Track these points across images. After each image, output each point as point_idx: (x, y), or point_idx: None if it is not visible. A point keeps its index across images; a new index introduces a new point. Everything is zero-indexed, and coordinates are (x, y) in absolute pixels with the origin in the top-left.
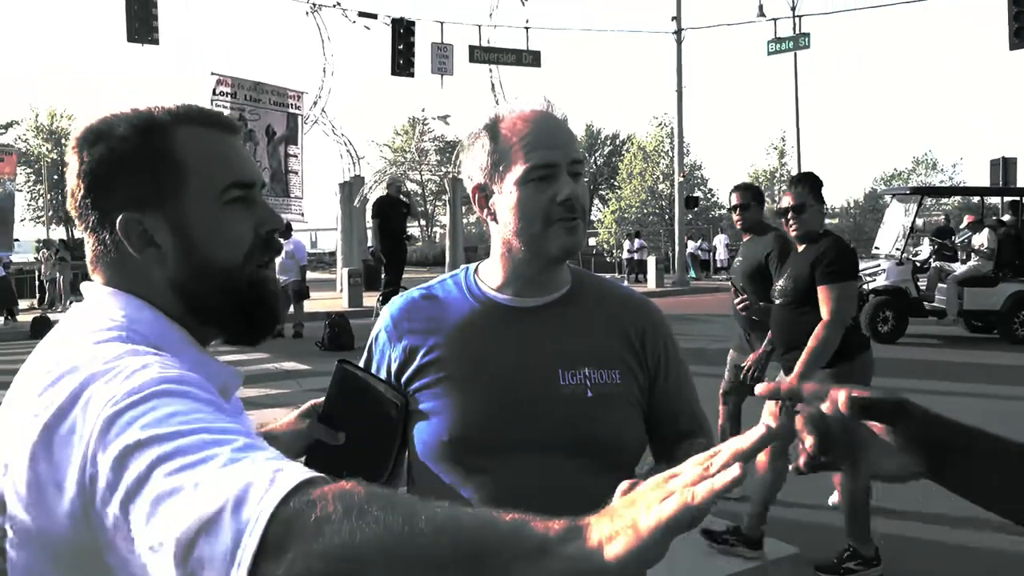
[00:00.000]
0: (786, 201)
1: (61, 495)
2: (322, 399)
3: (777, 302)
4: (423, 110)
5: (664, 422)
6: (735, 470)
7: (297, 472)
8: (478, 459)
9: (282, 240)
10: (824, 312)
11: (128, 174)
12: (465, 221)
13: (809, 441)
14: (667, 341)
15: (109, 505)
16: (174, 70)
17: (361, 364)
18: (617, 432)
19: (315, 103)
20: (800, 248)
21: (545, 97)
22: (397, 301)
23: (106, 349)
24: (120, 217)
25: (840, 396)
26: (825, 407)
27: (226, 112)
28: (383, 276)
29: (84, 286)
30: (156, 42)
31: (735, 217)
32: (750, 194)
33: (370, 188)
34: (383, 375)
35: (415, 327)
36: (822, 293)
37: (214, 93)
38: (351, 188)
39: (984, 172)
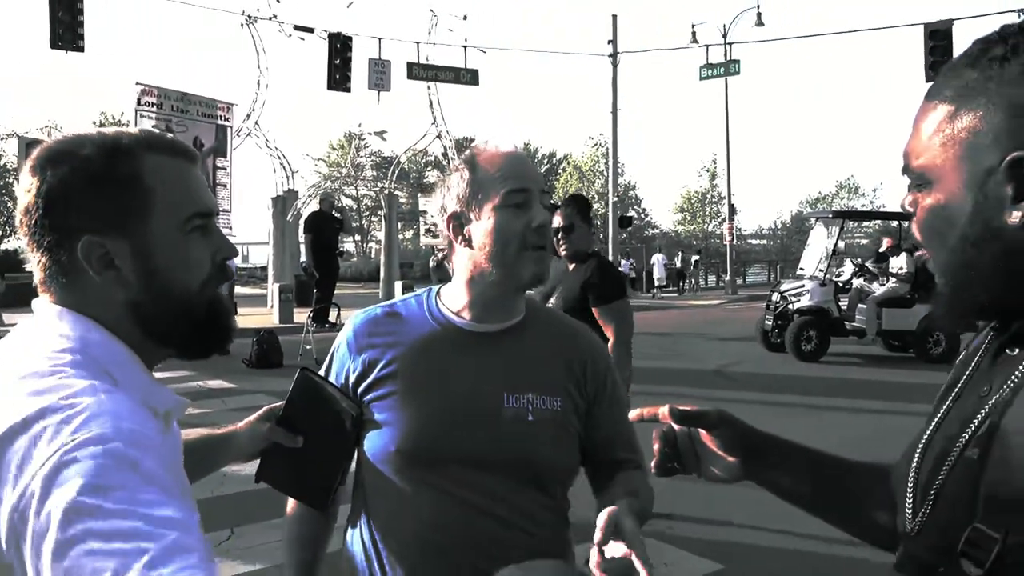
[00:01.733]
0: (556, 221)
1: None
2: (281, 403)
3: None
4: (359, 125)
5: (600, 448)
6: None
7: None
8: (423, 470)
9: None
10: (608, 334)
11: (93, 197)
12: (401, 237)
13: (657, 447)
14: (607, 373)
15: (29, 545)
16: (99, 79)
17: (322, 372)
18: (551, 455)
19: (248, 115)
20: (571, 267)
21: (514, 144)
22: (360, 316)
23: (63, 379)
24: (83, 239)
25: (663, 408)
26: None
27: (151, 123)
28: (315, 292)
29: (35, 303)
30: (81, 49)
31: (560, 243)
32: (576, 211)
33: (304, 203)
34: (341, 384)
35: (375, 341)
36: (598, 316)
37: (139, 103)
38: (284, 202)
39: (902, 196)
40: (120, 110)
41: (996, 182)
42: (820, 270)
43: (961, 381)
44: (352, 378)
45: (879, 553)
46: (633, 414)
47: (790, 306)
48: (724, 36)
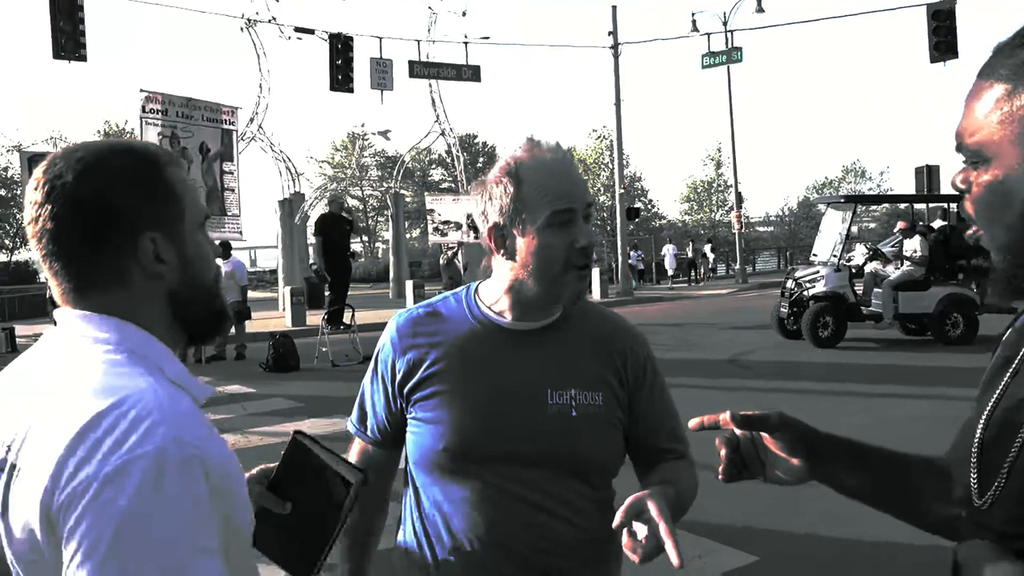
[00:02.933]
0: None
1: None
2: (275, 464)
3: None
4: (363, 125)
5: (643, 438)
6: None
7: None
8: (470, 467)
9: (220, 260)
10: None
11: (142, 198)
12: (408, 236)
13: (723, 453)
14: (647, 363)
15: (65, 540)
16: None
17: (367, 375)
18: (596, 450)
19: (252, 119)
20: None
21: (557, 141)
22: (403, 315)
23: (123, 379)
24: (143, 238)
25: (724, 415)
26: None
27: (157, 130)
28: (327, 294)
29: (60, 312)
30: (83, 58)
31: None
32: None
33: (311, 205)
34: (387, 386)
35: (418, 341)
36: None
37: (143, 111)
38: (291, 205)
39: (910, 179)
40: (124, 119)
41: None
42: (834, 255)
43: (1019, 357)
44: (398, 378)
45: (913, 545)
46: (694, 422)
47: (805, 292)
48: (725, 24)
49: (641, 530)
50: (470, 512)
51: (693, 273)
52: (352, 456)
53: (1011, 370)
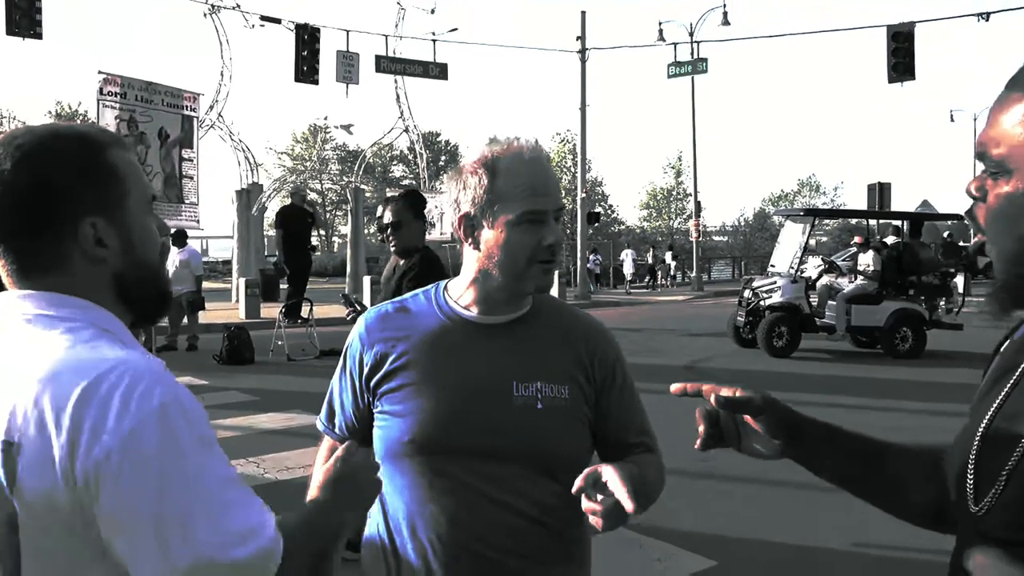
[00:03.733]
0: (386, 217)
1: (66, 470)
2: None
3: None
4: (325, 118)
5: (611, 435)
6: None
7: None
8: (435, 460)
9: (176, 248)
10: None
11: (85, 185)
12: (366, 232)
13: (702, 428)
14: (617, 363)
15: (101, 505)
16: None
17: (336, 373)
18: (562, 443)
19: (212, 107)
20: (400, 263)
21: (536, 140)
22: (372, 312)
23: (99, 351)
24: (84, 222)
25: (712, 395)
26: (711, 400)
27: (114, 113)
28: (286, 287)
29: (12, 295)
30: (39, 36)
31: (389, 240)
32: (406, 207)
33: (269, 196)
34: (355, 381)
35: (386, 336)
36: None
37: (101, 93)
38: (249, 195)
39: (862, 195)
40: (77, 100)
41: None
42: (791, 267)
43: (1020, 370)
44: (365, 371)
45: (875, 547)
46: (675, 387)
47: (762, 302)
48: (691, 35)
49: (601, 493)
50: (435, 508)
51: (652, 279)
52: (322, 453)
53: (1011, 381)
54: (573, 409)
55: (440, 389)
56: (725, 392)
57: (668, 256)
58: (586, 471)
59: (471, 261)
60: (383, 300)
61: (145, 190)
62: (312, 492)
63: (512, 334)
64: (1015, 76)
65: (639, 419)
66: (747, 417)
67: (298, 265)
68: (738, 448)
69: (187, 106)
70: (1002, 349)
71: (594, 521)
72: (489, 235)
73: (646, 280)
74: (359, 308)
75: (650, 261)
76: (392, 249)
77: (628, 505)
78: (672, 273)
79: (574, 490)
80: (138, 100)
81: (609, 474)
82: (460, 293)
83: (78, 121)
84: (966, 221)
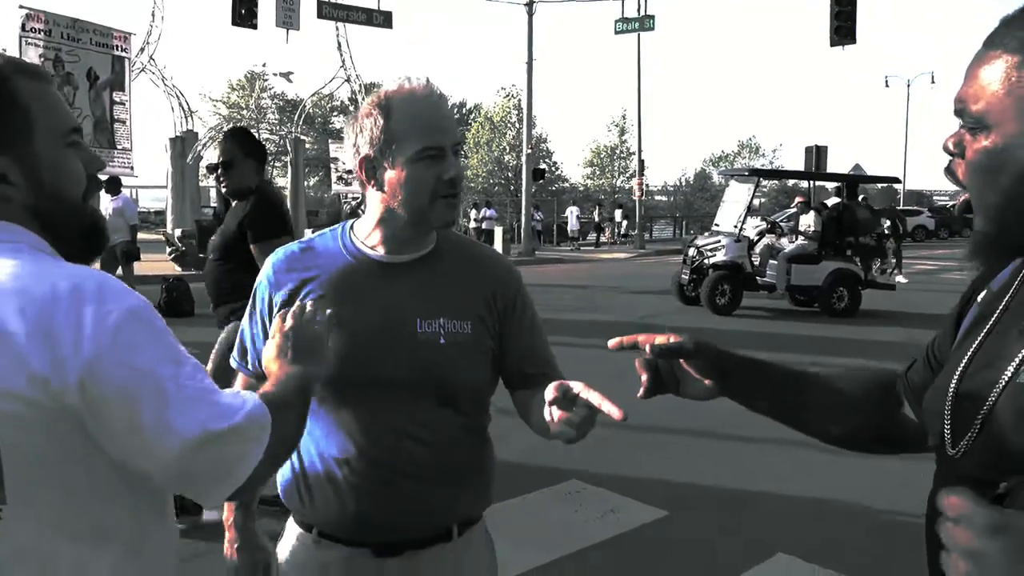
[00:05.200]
0: (216, 156)
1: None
2: None
3: (210, 257)
4: (264, 65)
5: (514, 365)
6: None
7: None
8: (342, 395)
9: (109, 196)
10: None
11: None
12: (305, 184)
13: (644, 377)
14: (518, 295)
15: (106, 402)
16: None
17: (246, 313)
18: (464, 376)
19: (142, 49)
20: (234, 204)
21: (428, 78)
22: (279, 252)
23: (50, 266)
24: None
25: (648, 345)
26: (646, 351)
27: (39, 51)
28: None
29: None
30: None
31: (220, 180)
32: (236, 145)
33: (204, 145)
34: (265, 320)
35: (293, 276)
36: (256, 255)
37: (23, 29)
38: (183, 144)
39: (800, 157)
40: None
41: None
42: (735, 226)
43: (993, 318)
44: (274, 312)
45: (820, 500)
46: (613, 342)
47: (706, 261)
48: None
49: (577, 410)
50: (342, 439)
51: (599, 236)
52: (236, 389)
53: (986, 329)
54: (476, 343)
55: (346, 327)
56: (659, 340)
57: (618, 214)
58: (554, 386)
59: (375, 202)
60: (212, 252)
61: (59, 122)
62: (266, 365)
63: (416, 273)
64: (992, 33)
65: (541, 350)
66: (682, 362)
67: None
68: (677, 392)
69: (117, 46)
70: (979, 298)
71: (559, 429)
72: (390, 174)
73: (594, 237)
74: (179, 248)
75: (596, 219)
76: (224, 191)
77: (616, 412)
78: (624, 231)
79: (548, 400)
80: (64, 38)
81: (580, 387)
82: (367, 233)
83: None
84: (946, 177)
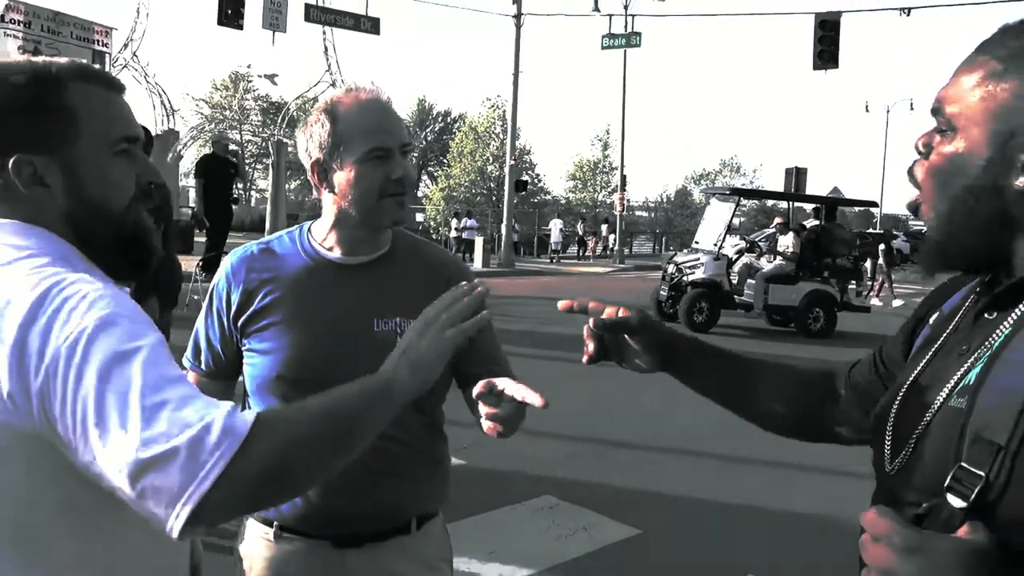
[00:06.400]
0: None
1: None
2: None
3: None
4: (249, 66)
5: (469, 363)
6: (485, 315)
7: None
8: (304, 392)
9: None
10: None
11: (24, 121)
12: (287, 187)
13: (591, 346)
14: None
15: (59, 412)
16: None
17: (201, 313)
18: None
19: (126, 45)
20: None
21: (373, 82)
22: (238, 252)
23: (50, 275)
24: (14, 158)
25: (592, 318)
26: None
27: (17, 43)
28: (204, 239)
29: None
30: None
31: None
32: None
33: (185, 144)
34: (223, 319)
35: (252, 277)
36: None
37: (2, 20)
38: (165, 142)
39: (780, 178)
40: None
41: (1015, 146)
42: (715, 244)
43: (940, 340)
44: (233, 310)
45: (795, 517)
46: (562, 304)
47: (685, 278)
48: (626, 7)
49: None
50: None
51: (582, 249)
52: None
53: (932, 350)
54: None
55: (305, 327)
56: (608, 313)
57: (604, 228)
58: (482, 382)
59: (329, 204)
60: None
61: (110, 129)
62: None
63: (372, 273)
64: (987, 39)
65: (490, 348)
66: (627, 335)
67: (218, 217)
68: (620, 363)
69: (99, 40)
70: (931, 320)
71: (490, 428)
72: (340, 176)
73: (574, 251)
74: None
75: (580, 232)
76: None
77: (537, 400)
78: (612, 245)
79: (474, 395)
80: (44, 31)
81: (504, 383)
82: (323, 235)
83: None
84: (908, 177)
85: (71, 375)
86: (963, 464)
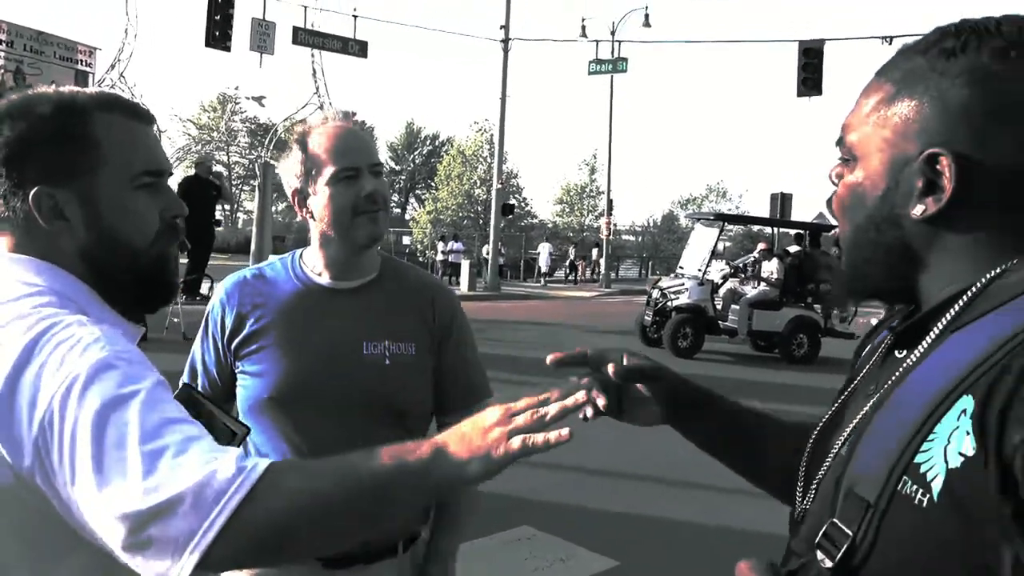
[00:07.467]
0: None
1: (18, 441)
2: None
3: None
4: (236, 88)
5: (449, 387)
6: (565, 433)
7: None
8: (293, 415)
9: None
10: None
11: (45, 151)
12: (273, 209)
13: (601, 401)
14: (455, 314)
15: (56, 464)
16: None
17: (197, 337)
18: (409, 394)
19: (113, 66)
20: None
21: (345, 112)
22: (232, 278)
23: (50, 317)
24: (35, 190)
25: (610, 367)
26: (608, 371)
27: (0, 62)
28: (185, 261)
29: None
30: None
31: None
32: None
33: (173, 164)
34: (217, 343)
35: (245, 301)
36: None
37: None
38: None
39: (765, 203)
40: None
41: (910, 172)
42: (700, 270)
43: (856, 380)
44: (227, 334)
45: (779, 544)
46: (550, 357)
47: (669, 303)
48: (612, 33)
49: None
50: (294, 456)
51: (573, 273)
52: (225, 449)
53: (846, 393)
54: (419, 363)
55: (296, 350)
56: (628, 360)
57: (595, 252)
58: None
59: (314, 230)
60: None
61: (134, 161)
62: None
63: (361, 297)
64: (887, 62)
65: (477, 376)
66: (639, 384)
67: (200, 240)
68: (618, 416)
69: (82, 60)
70: (857, 363)
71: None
72: (316, 201)
73: (561, 275)
74: None
75: (571, 256)
76: None
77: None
78: (603, 270)
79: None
80: (27, 50)
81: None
82: (312, 261)
83: None
84: (826, 211)
85: (67, 424)
86: (835, 520)
